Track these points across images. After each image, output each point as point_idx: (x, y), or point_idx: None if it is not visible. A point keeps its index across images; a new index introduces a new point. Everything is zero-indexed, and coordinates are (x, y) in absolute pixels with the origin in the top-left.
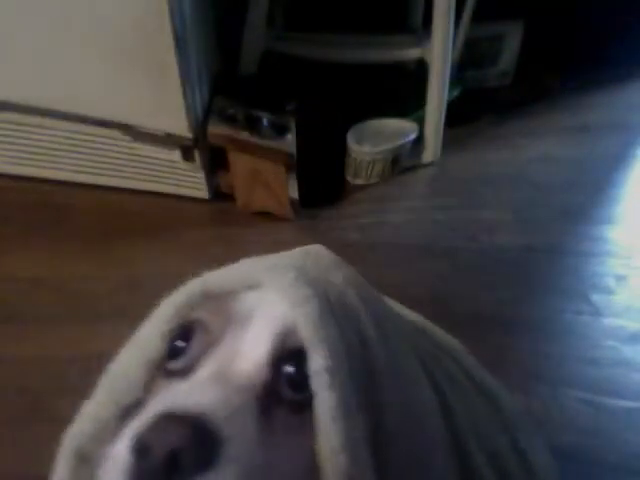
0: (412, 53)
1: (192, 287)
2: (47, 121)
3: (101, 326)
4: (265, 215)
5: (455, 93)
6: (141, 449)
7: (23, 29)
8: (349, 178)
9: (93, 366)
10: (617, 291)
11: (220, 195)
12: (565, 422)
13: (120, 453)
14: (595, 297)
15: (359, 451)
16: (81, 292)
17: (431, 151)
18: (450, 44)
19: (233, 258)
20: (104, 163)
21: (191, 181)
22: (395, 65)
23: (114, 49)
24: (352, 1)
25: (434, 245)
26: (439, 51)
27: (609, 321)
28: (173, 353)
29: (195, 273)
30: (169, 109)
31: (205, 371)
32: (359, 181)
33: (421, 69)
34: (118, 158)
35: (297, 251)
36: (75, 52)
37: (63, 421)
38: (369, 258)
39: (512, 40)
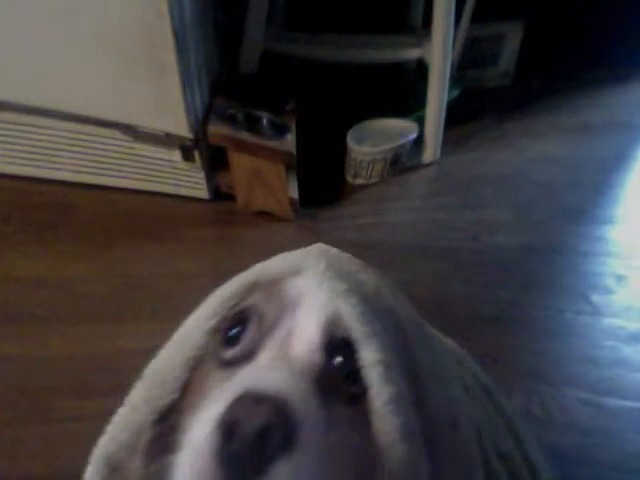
0: (412, 53)
1: (243, 278)
2: (47, 121)
3: (101, 326)
4: (265, 215)
5: (455, 93)
6: (229, 429)
7: (23, 29)
8: (349, 178)
9: (93, 366)
10: (617, 291)
11: (220, 195)
12: (565, 422)
13: (203, 436)
14: (595, 297)
15: (415, 442)
16: (81, 292)
17: (431, 151)
18: (450, 44)
19: (233, 258)
20: (104, 163)
21: (191, 181)
22: (395, 65)
23: (114, 49)
24: (352, 1)
25: (434, 245)
26: (439, 51)
27: (609, 321)
28: (229, 341)
29: (195, 272)
30: (169, 109)
31: (267, 355)
32: (359, 181)
33: (421, 69)
34: (118, 158)
35: (315, 248)
36: (75, 52)
37: (63, 421)
38: (369, 258)
39: (512, 40)
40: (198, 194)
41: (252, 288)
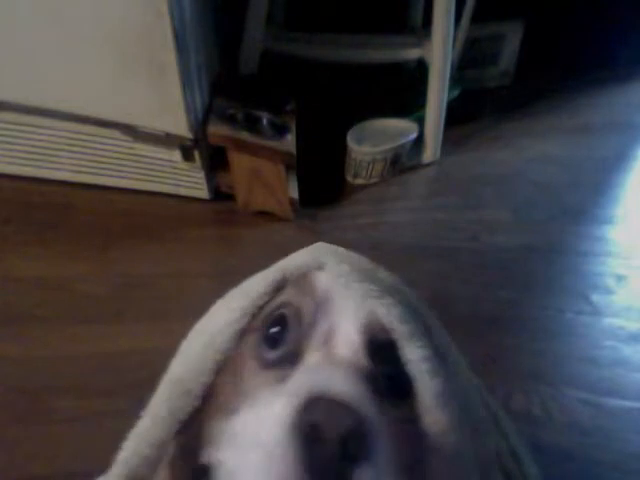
0: (412, 53)
1: (269, 277)
2: (47, 121)
3: (101, 326)
4: (265, 215)
5: (455, 93)
6: (312, 433)
7: (23, 29)
8: (349, 178)
9: (93, 366)
10: (617, 291)
11: (220, 195)
12: (565, 422)
13: (276, 439)
14: (595, 297)
15: (463, 432)
16: (81, 292)
17: (431, 151)
18: (450, 44)
19: (233, 258)
20: (104, 163)
21: (191, 181)
22: (395, 65)
23: (114, 49)
24: (352, 1)
25: (434, 245)
26: (439, 51)
27: (609, 321)
28: (270, 341)
29: (195, 272)
30: (169, 109)
31: (314, 357)
32: (359, 181)
33: (421, 69)
34: (118, 158)
35: (320, 246)
36: (75, 52)
37: (63, 421)
38: (369, 258)
39: (512, 40)
40: (198, 194)
41: (280, 286)
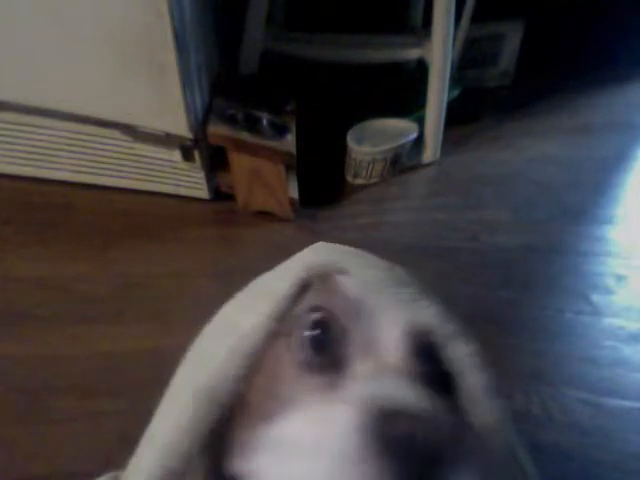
0: (412, 53)
1: (292, 275)
2: (47, 121)
3: (101, 326)
4: (265, 215)
5: (455, 93)
6: (390, 443)
7: (23, 29)
8: (349, 178)
9: (93, 366)
10: (617, 291)
11: (220, 195)
12: (565, 422)
13: (352, 447)
14: (595, 297)
15: (510, 424)
16: (81, 292)
17: (431, 151)
18: (450, 44)
19: (233, 258)
20: (104, 163)
21: (191, 181)
22: (395, 65)
23: (114, 49)
24: (352, 1)
25: (434, 245)
26: (439, 51)
27: (609, 321)
28: (311, 344)
29: (195, 272)
30: (169, 109)
31: (366, 364)
32: (359, 181)
33: (421, 69)
34: (118, 158)
35: (326, 245)
36: (75, 52)
37: (63, 421)
38: None
39: (512, 40)
40: (198, 194)
41: (305, 286)
